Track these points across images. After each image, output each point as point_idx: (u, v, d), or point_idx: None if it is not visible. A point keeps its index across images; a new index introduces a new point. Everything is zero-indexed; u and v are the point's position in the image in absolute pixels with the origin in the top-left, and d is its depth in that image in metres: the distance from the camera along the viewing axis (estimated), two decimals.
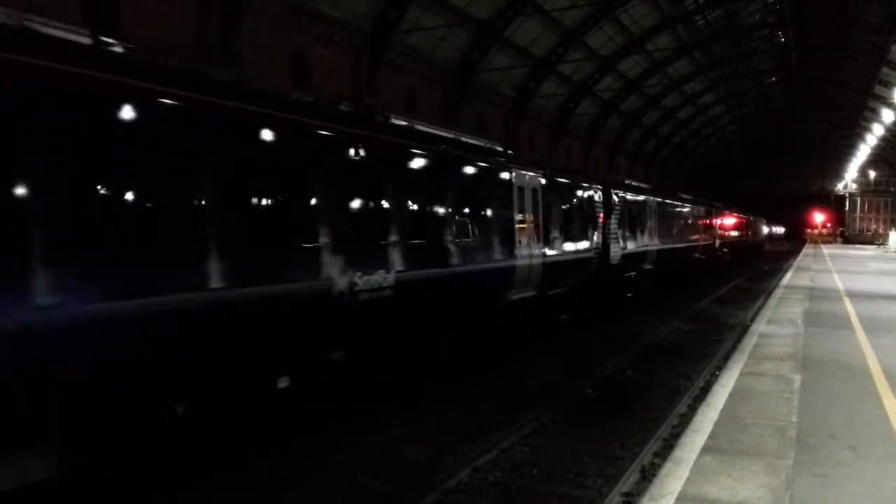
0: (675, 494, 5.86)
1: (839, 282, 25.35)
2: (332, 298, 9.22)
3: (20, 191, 5.84)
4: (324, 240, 9.11)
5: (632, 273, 23.36)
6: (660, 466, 7.22)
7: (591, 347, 16.29)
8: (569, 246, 17.63)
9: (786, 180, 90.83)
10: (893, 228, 72.41)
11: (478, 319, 13.67)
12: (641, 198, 25.22)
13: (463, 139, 13.83)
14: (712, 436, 7.38)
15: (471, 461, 8.67)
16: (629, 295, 23.45)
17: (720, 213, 42.27)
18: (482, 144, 14.68)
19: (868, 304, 18.50)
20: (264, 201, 8.63)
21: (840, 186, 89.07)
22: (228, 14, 21.02)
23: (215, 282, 7.50)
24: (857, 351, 11.91)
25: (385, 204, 10.63)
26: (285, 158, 8.95)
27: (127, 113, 6.89)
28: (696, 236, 34.44)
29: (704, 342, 17.62)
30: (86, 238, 6.36)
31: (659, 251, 26.50)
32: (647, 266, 25.31)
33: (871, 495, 5.89)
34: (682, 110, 64.02)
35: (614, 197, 21.44)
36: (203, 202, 7.57)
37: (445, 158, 12.74)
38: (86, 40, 6.98)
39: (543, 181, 16.28)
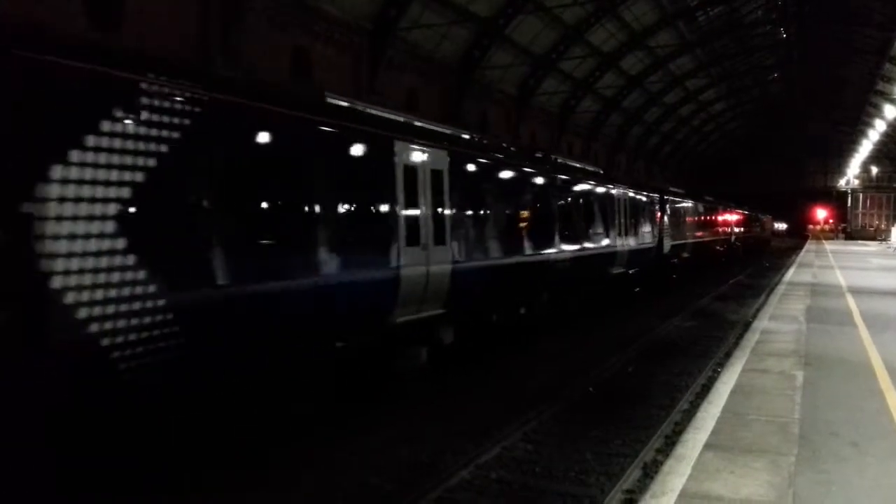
0: (678, 491, 5.84)
1: (841, 278, 25.30)
2: (547, 264, 16.01)
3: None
4: (546, 233, 16.01)
5: (675, 260, 29.37)
6: (662, 463, 7.22)
7: (595, 342, 16.30)
8: (641, 239, 24.12)
9: (788, 176, 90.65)
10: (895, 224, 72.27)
11: (598, 285, 20.47)
12: (681, 200, 31.53)
13: (587, 168, 21.21)
14: (714, 432, 7.36)
15: (472, 460, 8.68)
16: (674, 276, 29.25)
17: (736, 212, 48.49)
18: (595, 170, 21.91)
19: (870, 300, 18.47)
20: (535, 216, 15.47)
21: (842, 182, 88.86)
22: (229, 12, 21.03)
23: (517, 254, 14.53)
24: (860, 347, 11.89)
25: (565, 213, 17.40)
26: (535, 192, 15.87)
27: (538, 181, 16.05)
28: (718, 231, 41.04)
29: (706, 339, 17.60)
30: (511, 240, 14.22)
31: (693, 244, 33.01)
32: (686, 255, 31.33)
33: (874, 492, 5.87)
34: (684, 107, 63.96)
35: (667, 201, 27.76)
36: (533, 224, 15.31)
37: (590, 184, 19.68)
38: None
39: (629, 193, 22.84)
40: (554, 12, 34.59)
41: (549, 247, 16.12)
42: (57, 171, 5.88)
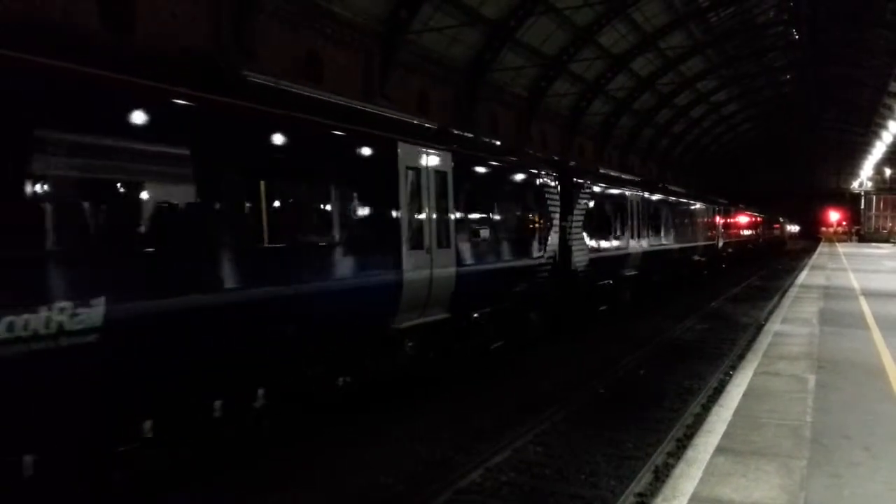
0: (689, 495, 5.83)
1: (854, 280, 25.15)
2: (669, 252, 27.05)
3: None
4: (669, 233, 27.19)
5: (724, 254, 40.45)
6: (673, 467, 7.19)
7: (608, 339, 16.32)
8: (707, 238, 35.22)
9: (800, 178, 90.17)
10: None
11: (685, 266, 30.66)
12: (729, 208, 42.13)
13: (677, 189, 32.18)
14: (726, 436, 7.33)
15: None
16: (723, 266, 40.09)
17: (762, 217, 58.76)
18: (683, 190, 33.42)
19: (884, 303, 18.34)
20: (668, 221, 27.13)
21: (855, 184, 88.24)
22: (241, 14, 21.11)
23: (662, 244, 26.39)
24: (873, 350, 11.80)
25: (677, 219, 28.28)
26: (664, 207, 26.96)
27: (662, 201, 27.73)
28: (751, 233, 53.05)
29: (718, 341, 17.56)
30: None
31: (736, 242, 45.00)
32: (730, 250, 42.40)
33: (887, 496, 5.83)
34: (695, 108, 63.70)
35: (720, 209, 38.54)
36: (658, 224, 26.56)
37: (684, 200, 30.87)
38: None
39: (703, 205, 34.09)
40: (565, 14, 34.55)
41: (670, 241, 26.90)
42: (574, 212, 17.65)
